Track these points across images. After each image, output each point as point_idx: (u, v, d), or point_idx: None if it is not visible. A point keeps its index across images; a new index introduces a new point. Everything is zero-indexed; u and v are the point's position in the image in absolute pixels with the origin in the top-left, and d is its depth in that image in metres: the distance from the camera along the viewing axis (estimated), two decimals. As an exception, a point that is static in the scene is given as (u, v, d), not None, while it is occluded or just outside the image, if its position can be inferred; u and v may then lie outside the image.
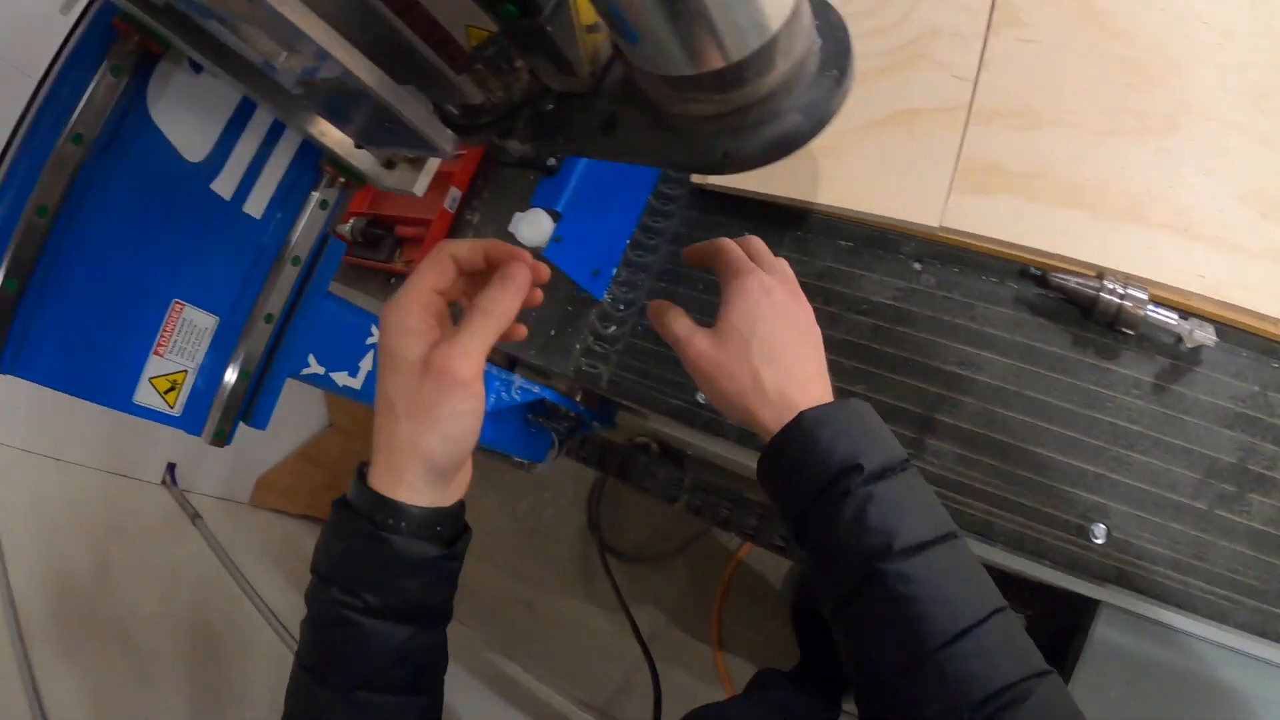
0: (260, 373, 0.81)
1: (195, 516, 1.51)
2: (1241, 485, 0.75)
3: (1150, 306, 0.77)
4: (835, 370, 0.86)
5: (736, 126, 0.56)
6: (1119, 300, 0.77)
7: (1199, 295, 0.78)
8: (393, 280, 1.13)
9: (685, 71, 0.52)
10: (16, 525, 1.27)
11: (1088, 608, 0.82)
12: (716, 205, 0.99)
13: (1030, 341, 0.81)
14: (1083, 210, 0.81)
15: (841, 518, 0.47)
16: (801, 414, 0.50)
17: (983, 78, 0.87)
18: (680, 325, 0.58)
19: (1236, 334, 0.78)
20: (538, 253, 0.83)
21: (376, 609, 0.46)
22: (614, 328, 0.99)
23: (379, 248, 1.11)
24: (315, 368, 0.84)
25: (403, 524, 0.46)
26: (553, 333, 1.02)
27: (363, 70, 0.62)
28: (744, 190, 0.93)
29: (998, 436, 0.80)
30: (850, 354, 0.86)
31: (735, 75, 0.52)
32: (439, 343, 0.48)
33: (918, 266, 0.87)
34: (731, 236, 0.93)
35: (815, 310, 0.87)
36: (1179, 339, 0.77)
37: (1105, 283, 0.78)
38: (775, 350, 0.54)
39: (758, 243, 0.62)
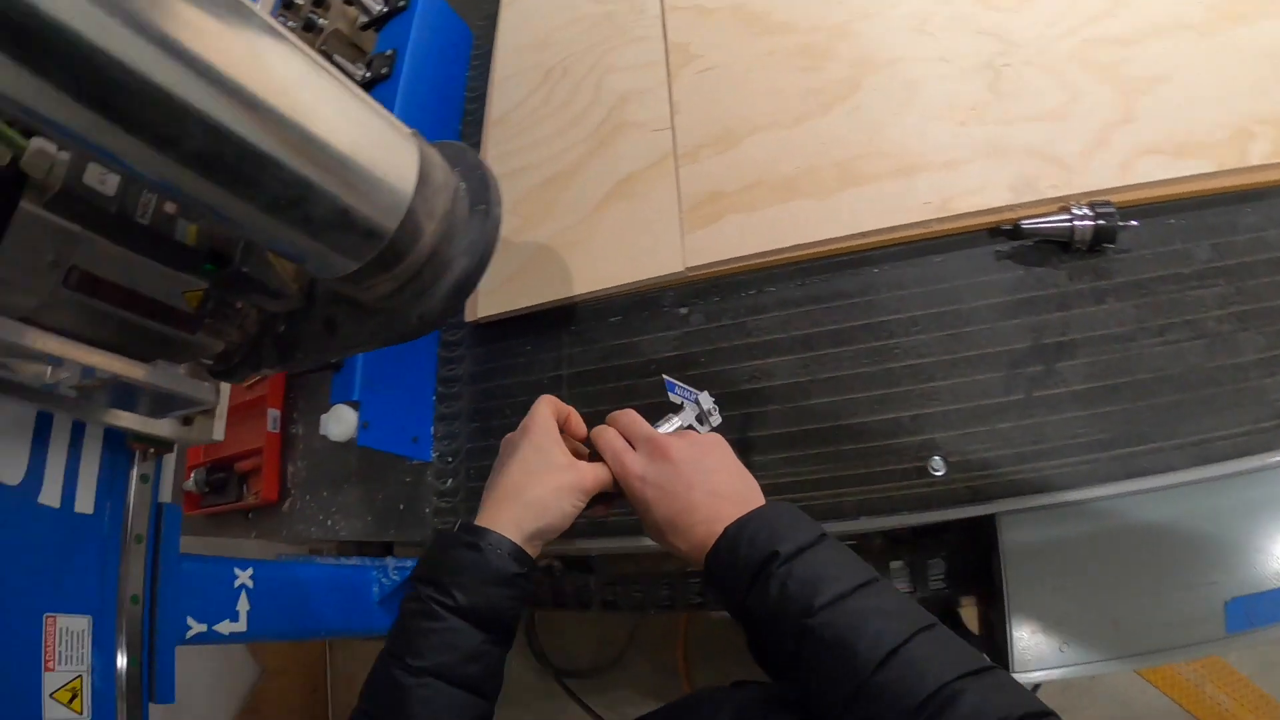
0: (147, 651, 0.84)
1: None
2: (1046, 360, 0.82)
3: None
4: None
5: (418, 291, 0.62)
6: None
7: (935, 219, 0.86)
8: (250, 515, 1.16)
9: (350, 268, 0.58)
10: None
11: (990, 524, 0.86)
12: (498, 333, 1.04)
13: (805, 331, 0.88)
14: (802, 197, 0.88)
15: (769, 596, 0.53)
16: (720, 535, 0.58)
17: (677, 121, 0.95)
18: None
19: (976, 237, 0.86)
20: (351, 444, 0.88)
21: (462, 608, 0.57)
22: (450, 480, 1.02)
23: (226, 491, 1.15)
24: (197, 627, 0.87)
25: (497, 547, 0.60)
26: (401, 507, 1.05)
27: (114, 365, 0.68)
28: (512, 310, 0.98)
29: (811, 426, 0.85)
30: (655, 415, 0.91)
31: (391, 255, 0.58)
32: (579, 462, 0.66)
33: (684, 311, 0.93)
34: (521, 356, 1.01)
35: (612, 389, 0.94)
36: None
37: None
38: (678, 523, 0.61)
39: (625, 418, 0.69)
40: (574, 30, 1.08)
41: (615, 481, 0.65)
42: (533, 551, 0.63)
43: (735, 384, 0.88)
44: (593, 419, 0.70)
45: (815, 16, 0.99)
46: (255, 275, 0.67)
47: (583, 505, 0.64)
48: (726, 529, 0.58)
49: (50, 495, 0.83)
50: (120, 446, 0.86)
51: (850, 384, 0.85)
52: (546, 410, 0.68)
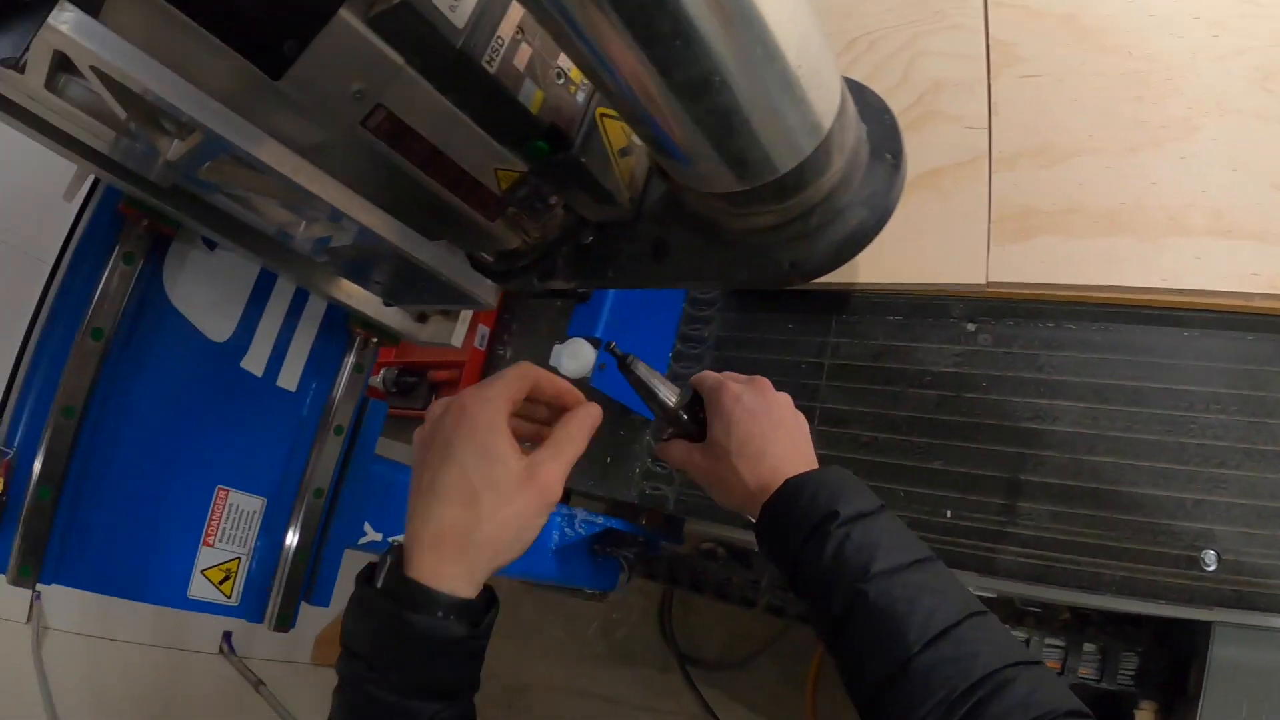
0: (316, 549, 0.77)
1: (259, 684, 1.45)
2: (1340, 474, 0.73)
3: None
4: (907, 449, 0.82)
5: (799, 233, 0.54)
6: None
7: (1259, 294, 0.77)
8: (433, 426, 1.08)
9: (741, 186, 0.50)
10: (76, 709, 1.23)
11: (1201, 630, 0.78)
12: (757, 302, 0.97)
13: (1100, 380, 0.79)
14: (1124, 235, 0.80)
15: (824, 556, 0.52)
16: (783, 484, 0.56)
17: (996, 122, 0.87)
18: (678, 451, 0.65)
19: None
20: (584, 382, 0.80)
21: (403, 688, 0.46)
22: (669, 447, 0.95)
23: (414, 395, 1.09)
24: (372, 535, 0.81)
25: (437, 610, 0.46)
26: (609, 460, 0.99)
27: (392, 232, 0.59)
28: (781, 284, 0.90)
29: (1088, 484, 0.77)
30: (920, 430, 0.84)
31: (794, 181, 0.50)
32: (536, 456, 0.49)
33: (971, 327, 0.85)
34: (780, 333, 0.94)
35: (876, 392, 0.85)
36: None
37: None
38: (750, 448, 0.59)
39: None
40: (885, 3, 1.00)
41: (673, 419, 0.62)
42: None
43: (1013, 419, 0.80)
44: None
45: (1152, 46, 0.90)
46: (590, 168, 0.58)
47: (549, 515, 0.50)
48: (789, 479, 0.57)
49: (254, 362, 0.76)
50: (340, 328, 0.79)
51: (1138, 449, 0.77)
52: (503, 391, 0.51)
